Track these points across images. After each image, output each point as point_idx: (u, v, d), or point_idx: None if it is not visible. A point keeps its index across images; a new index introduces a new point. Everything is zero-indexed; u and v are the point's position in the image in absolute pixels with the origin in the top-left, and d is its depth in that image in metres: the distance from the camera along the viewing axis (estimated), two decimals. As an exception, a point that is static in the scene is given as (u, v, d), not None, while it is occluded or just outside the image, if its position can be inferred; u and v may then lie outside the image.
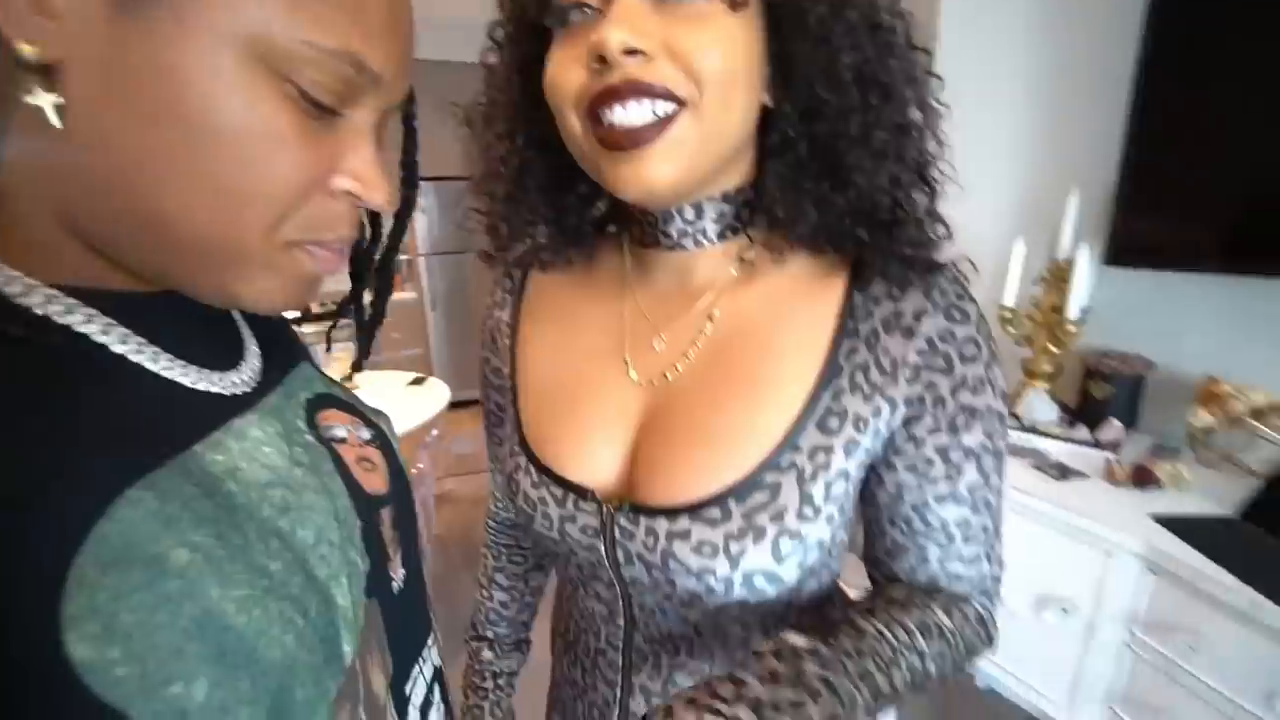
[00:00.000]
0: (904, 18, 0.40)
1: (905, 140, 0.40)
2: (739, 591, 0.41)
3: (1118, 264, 1.35)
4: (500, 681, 0.63)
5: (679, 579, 0.42)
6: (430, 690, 0.40)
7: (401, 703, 0.36)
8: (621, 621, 0.49)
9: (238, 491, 0.27)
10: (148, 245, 0.27)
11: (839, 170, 0.40)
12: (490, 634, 0.64)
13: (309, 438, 0.34)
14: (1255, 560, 0.92)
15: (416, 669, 0.38)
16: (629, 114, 0.36)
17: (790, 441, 0.41)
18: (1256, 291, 1.21)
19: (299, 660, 0.26)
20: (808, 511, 0.41)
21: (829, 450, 0.41)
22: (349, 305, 0.39)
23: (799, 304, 0.44)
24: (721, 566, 0.40)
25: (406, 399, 2.34)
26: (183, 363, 0.29)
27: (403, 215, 0.37)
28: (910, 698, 0.40)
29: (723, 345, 0.44)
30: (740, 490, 0.41)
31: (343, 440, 0.37)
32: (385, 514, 0.37)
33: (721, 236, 0.44)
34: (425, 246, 4.11)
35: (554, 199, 0.48)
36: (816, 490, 0.41)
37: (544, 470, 0.47)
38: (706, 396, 0.43)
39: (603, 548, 0.44)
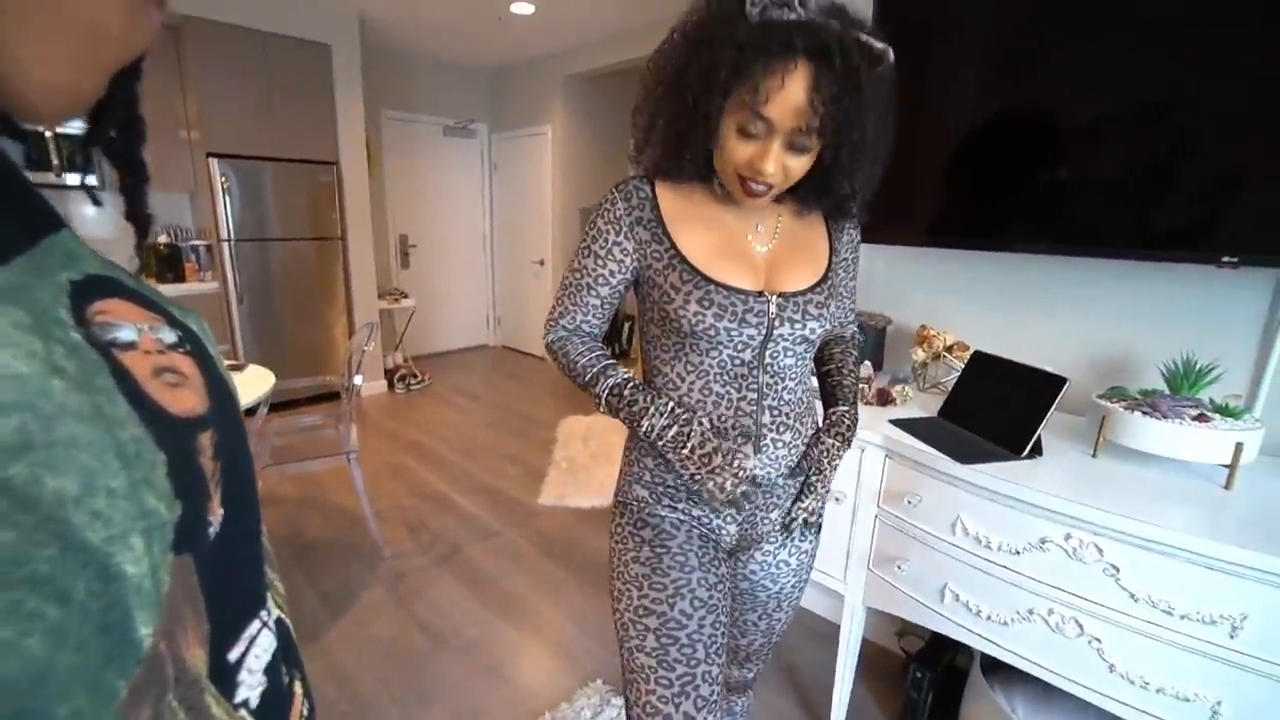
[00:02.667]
0: (893, 109, 0.84)
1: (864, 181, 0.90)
2: (819, 330, 0.91)
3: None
4: (637, 384, 0.93)
5: (809, 322, 0.89)
6: (278, 650, 0.34)
7: (227, 672, 0.30)
8: (757, 378, 0.90)
9: None
10: None
11: (830, 190, 0.89)
12: (611, 366, 0.93)
13: (75, 336, 0.24)
14: (944, 439, 1.34)
15: (252, 627, 0.32)
16: (758, 188, 0.83)
17: (829, 263, 0.96)
18: (950, 260, 1.73)
19: (56, 667, 0.20)
20: (837, 289, 0.98)
21: (842, 264, 1.00)
22: (91, 143, 0.32)
23: (809, 223, 0.97)
24: (825, 307, 0.91)
25: (226, 384, 2.18)
26: None
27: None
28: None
29: (785, 238, 0.94)
30: (822, 280, 0.93)
31: (130, 345, 0.27)
32: (204, 440, 0.28)
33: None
34: (229, 231, 3.72)
35: (689, 164, 0.86)
36: (838, 279, 0.98)
37: (730, 289, 0.86)
38: (792, 252, 0.93)
39: (767, 319, 0.87)
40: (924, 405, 1.58)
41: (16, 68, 0.22)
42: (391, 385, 4.69)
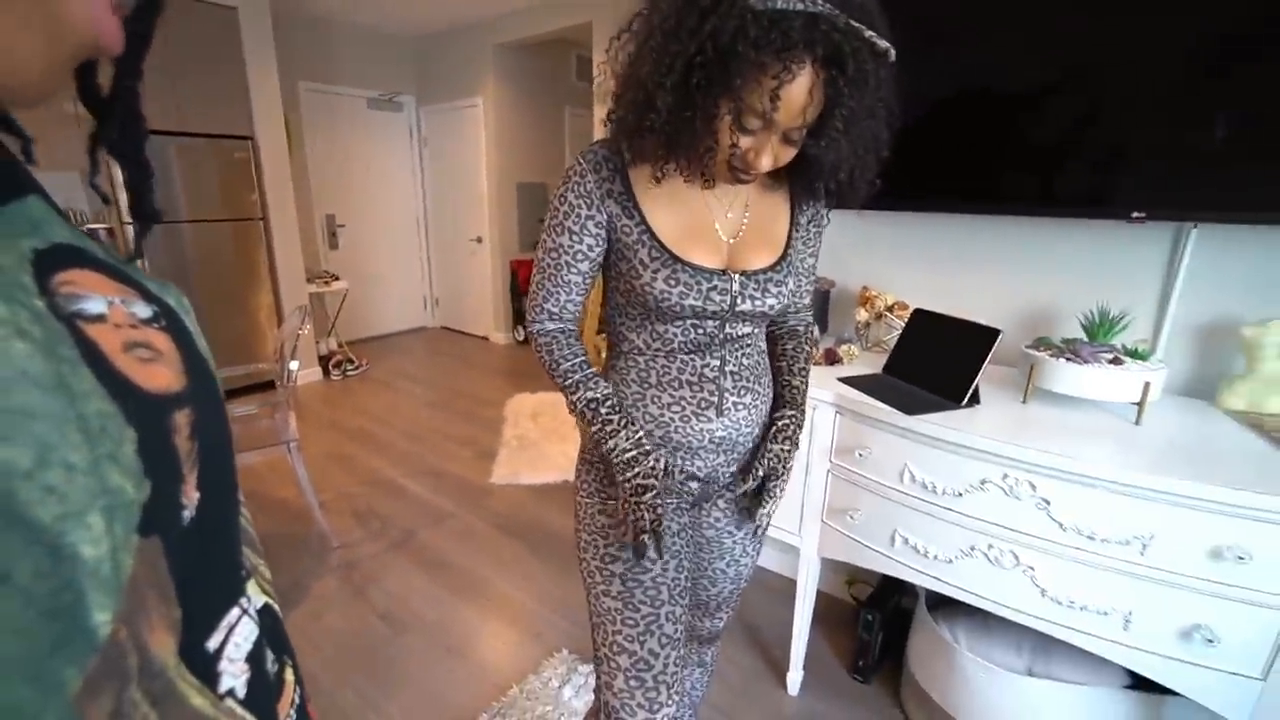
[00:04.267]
0: (890, 106, 0.83)
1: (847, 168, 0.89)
2: (777, 305, 0.93)
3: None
4: (615, 403, 0.94)
5: (768, 299, 0.91)
6: (260, 637, 0.33)
7: (206, 661, 0.28)
8: (719, 347, 0.94)
9: None
10: None
11: (808, 178, 0.93)
12: (593, 377, 0.94)
13: (38, 304, 0.23)
14: (888, 392, 1.41)
15: (231, 615, 0.31)
16: (746, 177, 0.84)
17: (788, 240, 0.97)
18: (885, 223, 1.80)
19: None
20: (800, 266, 1.01)
21: (801, 239, 1.00)
22: (98, 144, 0.33)
23: (774, 197, 0.98)
24: (784, 284, 0.93)
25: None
26: None
27: (138, 46, 0.31)
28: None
29: (754, 216, 0.95)
30: (781, 259, 0.94)
31: (99, 318, 0.25)
32: (180, 419, 0.27)
33: None
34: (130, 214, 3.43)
35: (677, 152, 0.84)
36: (797, 257, 0.99)
37: (697, 268, 0.87)
38: (756, 234, 0.94)
39: (729, 296, 0.89)
40: (869, 363, 1.65)
41: None
42: (327, 372, 4.50)
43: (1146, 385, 1.23)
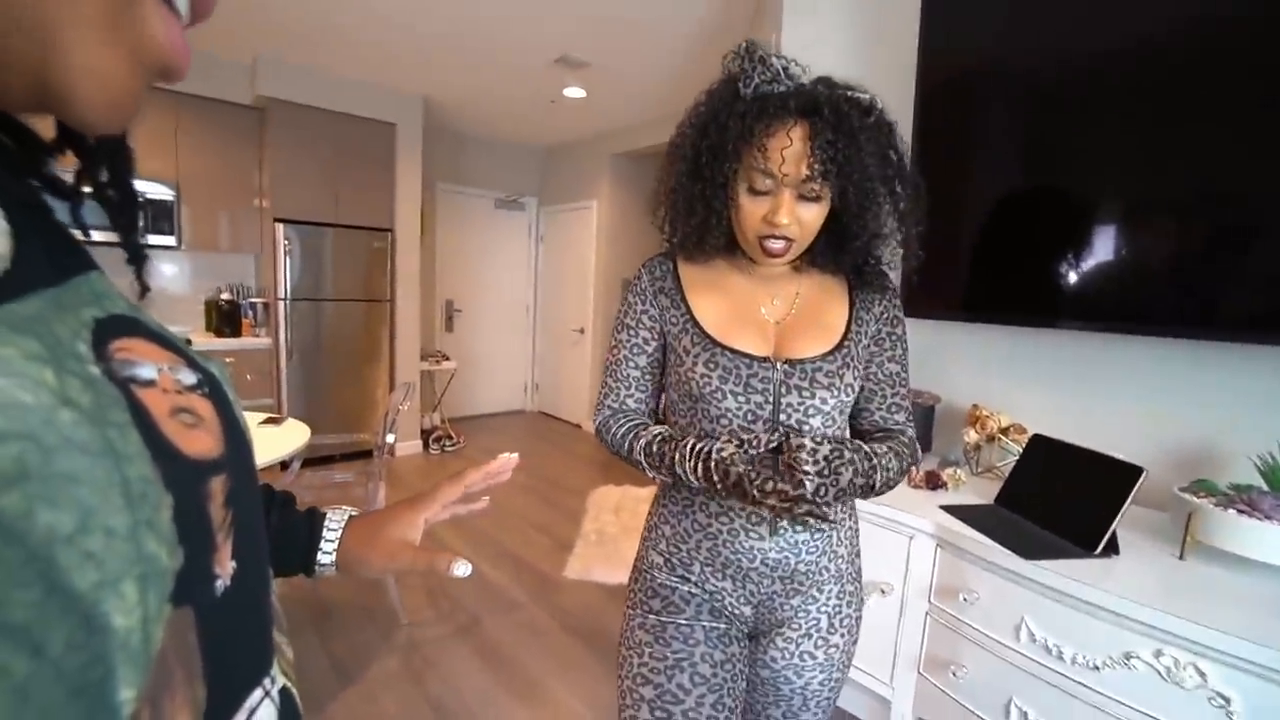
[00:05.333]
0: (904, 156, 0.87)
1: (880, 231, 0.88)
2: (833, 403, 0.86)
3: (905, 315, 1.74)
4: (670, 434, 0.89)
5: (818, 391, 0.85)
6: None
7: None
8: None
9: None
10: None
11: (845, 246, 0.89)
12: (649, 425, 0.91)
13: (93, 370, 0.23)
14: (1003, 530, 1.22)
15: (253, 696, 0.30)
16: (777, 245, 0.85)
17: (846, 333, 0.90)
18: (999, 336, 1.64)
19: None
20: (857, 363, 0.90)
21: (868, 336, 0.93)
22: (82, 186, 0.33)
23: (830, 288, 0.94)
24: (839, 378, 0.87)
25: (260, 437, 2.20)
26: None
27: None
28: (886, 488, 0.85)
29: (801, 308, 0.92)
30: (836, 349, 0.88)
31: (149, 383, 0.26)
32: (216, 486, 0.27)
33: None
34: (286, 291, 3.90)
35: (708, 234, 0.88)
36: (858, 350, 0.91)
37: (735, 352, 0.86)
38: (806, 321, 0.91)
39: (773, 386, 0.85)
40: (978, 491, 1.45)
41: (63, 56, 0.22)
42: (427, 446, 4.71)
43: (1355, 555, 0.97)
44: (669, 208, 0.92)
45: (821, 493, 0.73)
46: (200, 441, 0.27)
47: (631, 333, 0.94)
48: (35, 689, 0.17)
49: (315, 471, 2.87)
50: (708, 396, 0.86)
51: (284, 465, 2.47)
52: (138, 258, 0.34)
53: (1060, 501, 1.24)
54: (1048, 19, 1.42)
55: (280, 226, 3.81)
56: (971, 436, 1.55)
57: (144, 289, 0.35)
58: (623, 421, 0.93)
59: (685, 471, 0.83)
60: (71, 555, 0.19)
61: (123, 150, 0.32)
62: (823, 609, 0.92)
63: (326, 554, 0.56)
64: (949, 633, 1.25)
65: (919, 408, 1.68)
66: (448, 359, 5.02)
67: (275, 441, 2.16)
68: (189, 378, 0.29)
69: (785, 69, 0.84)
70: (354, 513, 0.59)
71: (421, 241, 4.58)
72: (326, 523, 0.57)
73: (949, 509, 1.32)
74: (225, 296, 3.97)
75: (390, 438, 2.48)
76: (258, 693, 0.30)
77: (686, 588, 0.91)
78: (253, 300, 4.07)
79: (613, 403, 0.95)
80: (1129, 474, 1.14)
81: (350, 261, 4.14)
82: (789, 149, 0.80)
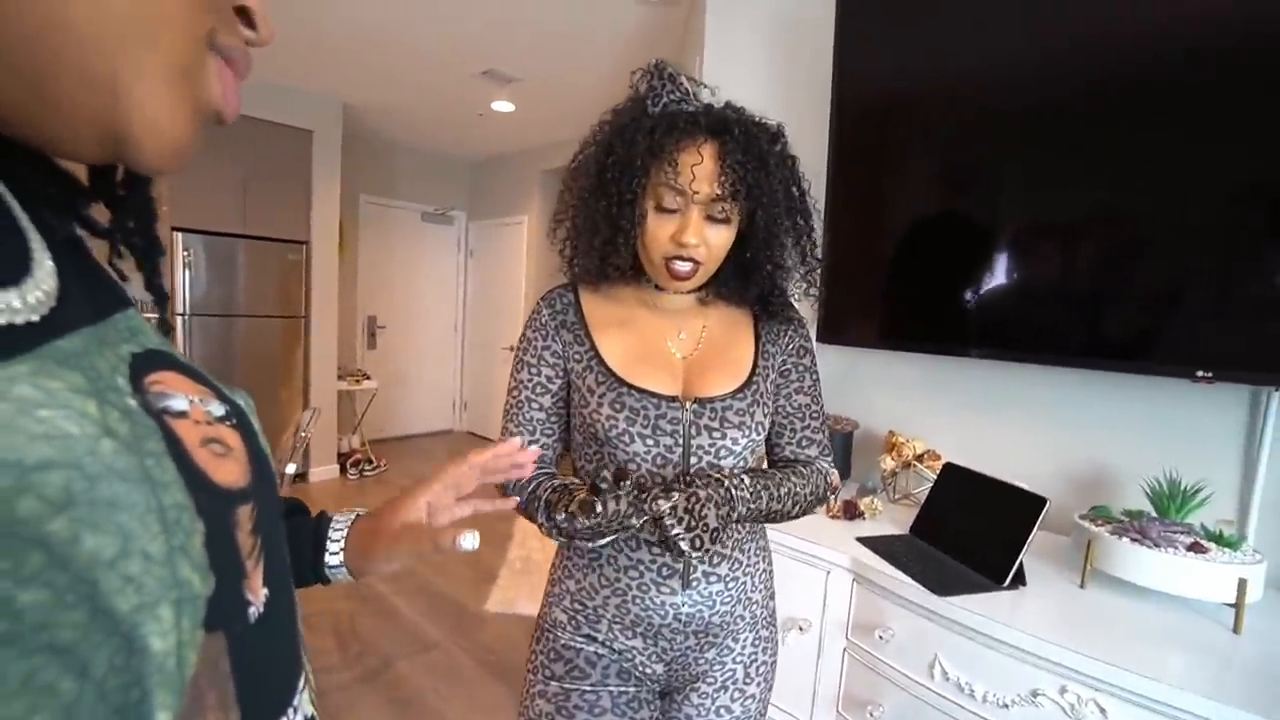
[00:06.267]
0: (807, 194, 0.87)
1: (784, 263, 0.86)
2: (744, 443, 0.83)
3: (822, 342, 1.73)
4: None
5: (729, 431, 0.81)
6: None
7: None
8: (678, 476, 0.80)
9: None
10: (16, 43, 0.20)
11: (751, 276, 0.87)
12: (544, 478, 0.85)
13: (130, 402, 0.24)
14: (915, 561, 1.20)
15: None
16: (683, 266, 0.81)
17: (754, 368, 0.87)
18: (914, 364, 1.66)
19: None
20: (766, 398, 0.87)
21: (775, 370, 0.90)
22: (114, 231, 0.34)
23: (736, 322, 0.91)
24: (749, 416, 0.83)
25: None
26: None
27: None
28: (787, 517, 0.84)
29: (708, 344, 0.88)
30: (744, 385, 0.85)
31: (182, 414, 0.27)
32: (244, 514, 0.28)
33: (692, 292, 0.90)
34: (186, 305, 3.60)
35: (612, 254, 0.83)
36: (766, 385, 0.88)
37: (643, 391, 0.81)
38: (714, 357, 0.87)
39: (682, 427, 0.80)
40: (895, 520, 1.45)
41: (134, 109, 0.23)
42: (344, 470, 4.43)
43: (1243, 583, 1.00)
44: (570, 227, 0.88)
45: (697, 544, 0.70)
46: (229, 471, 0.28)
47: (533, 371, 0.87)
48: (80, 709, 0.18)
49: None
50: (614, 439, 0.80)
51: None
52: (160, 299, 0.36)
53: (971, 531, 1.24)
54: (955, 45, 1.46)
55: (179, 236, 3.52)
56: (888, 463, 1.55)
57: (168, 328, 0.37)
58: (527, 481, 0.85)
59: (568, 523, 0.75)
60: (113, 579, 0.20)
61: (149, 201, 0.34)
62: (738, 659, 0.88)
63: (334, 555, 0.55)
64: (866, 671, 1.22)
65: (837, 434, 1.67)
66: (368, 378, 4.76)
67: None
68: (218, 409, 0.30)
69: (694, 91, 0.83)
70: (362, 511, 0.59)
71: (342, 255, 4.34)
72: (333, 524, 0.56)
73: (865, 541, 1.30)
74: (113, 312, 3.62)
75: (290, 468, 2.29)
76: (290, 716, 0.30)
77: (593, 648, 0.85)
78: (147, 315, 3.71)
79: None
80: (1034, 504, 1.15)
81: (262, 275, 3.87)
82: (699, 165, 0.77)
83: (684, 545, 0.69)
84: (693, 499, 0.71)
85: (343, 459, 4.47)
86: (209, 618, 0.24)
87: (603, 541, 0.75)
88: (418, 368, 5.65)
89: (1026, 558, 1.14)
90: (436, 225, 5.62)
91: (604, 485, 0.69)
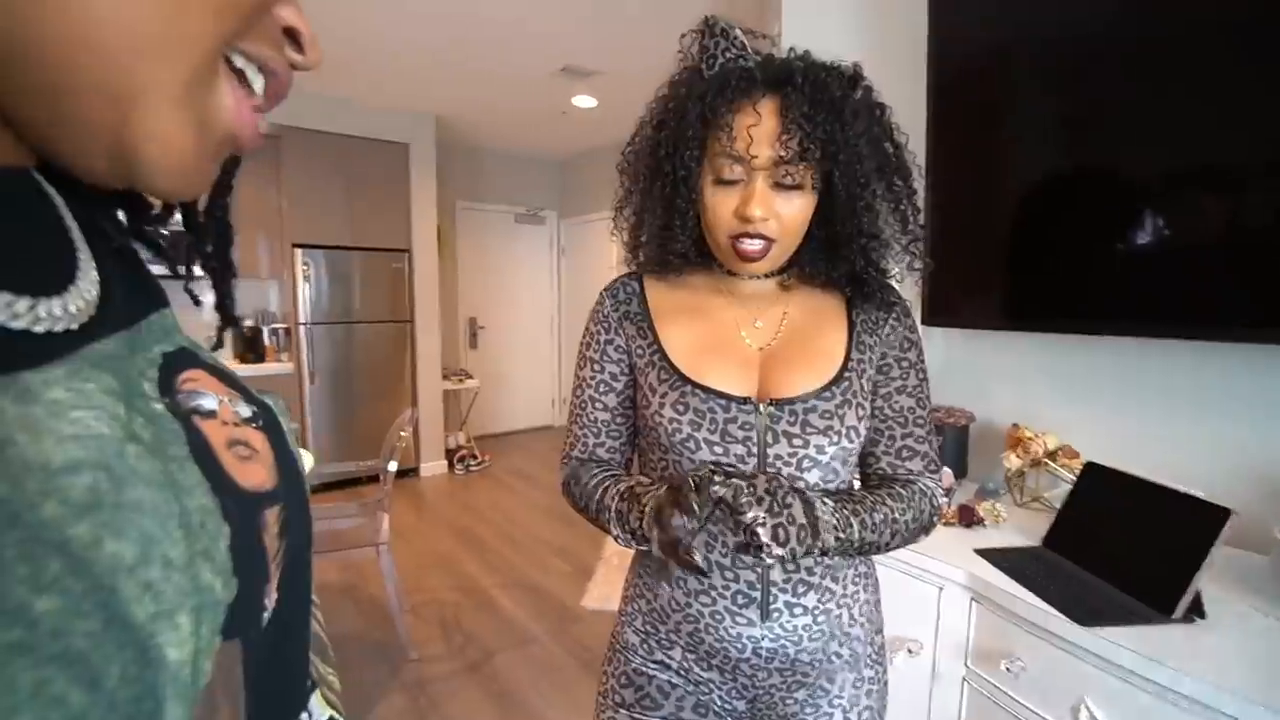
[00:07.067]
0: (904, 148, 0.73)
1: (878, 233, 0.72)
2: (833, 451, 0.70)
3: (930, 324, 1.53)
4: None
5: (813, 438, 0.69)
6: None
7: None
8: None
9: None
10: (34, 56, 0.20)
11: (839, 251, 0.74)
12: (612, 479, 0.76)
13: (156, 406, 0.24)
14: (1053, 583, 1.01)
15: None
16: (752, 245, 0.69)
17: (846, 363, 0.74)
18: (1044, 345, 1.42)
19: None
20: (862, 398, 0.73)
21: (873, 365, 0.76)
22: (191, 257, 0.35)
23: (824, 308, 0.78)
24: (838, 420, 0.70)
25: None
26: None
27: (230, 171, 0.35)
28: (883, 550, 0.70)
29: (789, 334, 0.76)
30: (833, 383, 0.72)
31: (210, 414, 0.27)
32: (269, 517, 0.28)
33: (770, 276, 0.78)
34: (306, 315, 3.91)
35: (670, 240, 0.75)
36: (862, 383, 0.74)
37: (710, 391, 0.71)
38: (796, 349, 0.74)
39: (756, 434, 0.69)
40: (1022, 527, 1.24)
41: (142, 126, 0.22)
42: (452, 465, 4.66)
43: None
44: (632, 226, 0.80)
45: (781, 537, 0.57)
46: (255, 473, 0.28)
47: (596, 368, 0.80)
48: None
49: (333, 501, 2.81)
50: (678, 446, 0.71)
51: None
52: (229, 321, 0.36)
53: (1126, 547, 1.03)
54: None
55: (299, 252, 3.82)
56: (1013, 462, 1.34)
57: (219, 344, 0.37)
58: (595, 471, 0.78)
59: (631, 528, 0.67)
60: (131, 586, 0.19)
61: (227, 230, 0.35)
62: (835, 702, 0.75)
63: None
64: (992, 705, 1.05)
65: (950, 428, 1.47)
66: (470, 377, 4.96)
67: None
68: (245, 410, 0.30)
69: (752, 45, 0.71)
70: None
71: (442, 260, 4.55)
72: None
73: (986, 554, 1.12)
74: (248, 323, 4.00)
75: (392, 465, 2.40)
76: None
77: (666, 676, 0.77)
78: (274, 325, 4.10)
79: (580, 454, 0.81)
80: (1212, 516, 0.92)
81: (370, 283, 4.13)
82: (756, 126, 0.66)
83: (763, 534, 0.56)
84: (773, 481, 0.59)
85: (450, 455, 4.70)
86: (228, 625, 0.23)
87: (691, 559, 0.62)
88: (517, 366, 5.83)
89: (1204, 583, 0.92)
90: (529, 226, 5.76)
91: (686, 489, 0.59)
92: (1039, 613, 0.96)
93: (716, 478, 0.58)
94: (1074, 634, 0.91)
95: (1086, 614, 0.92)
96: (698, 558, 0.59)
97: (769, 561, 0.57)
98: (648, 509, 0.65)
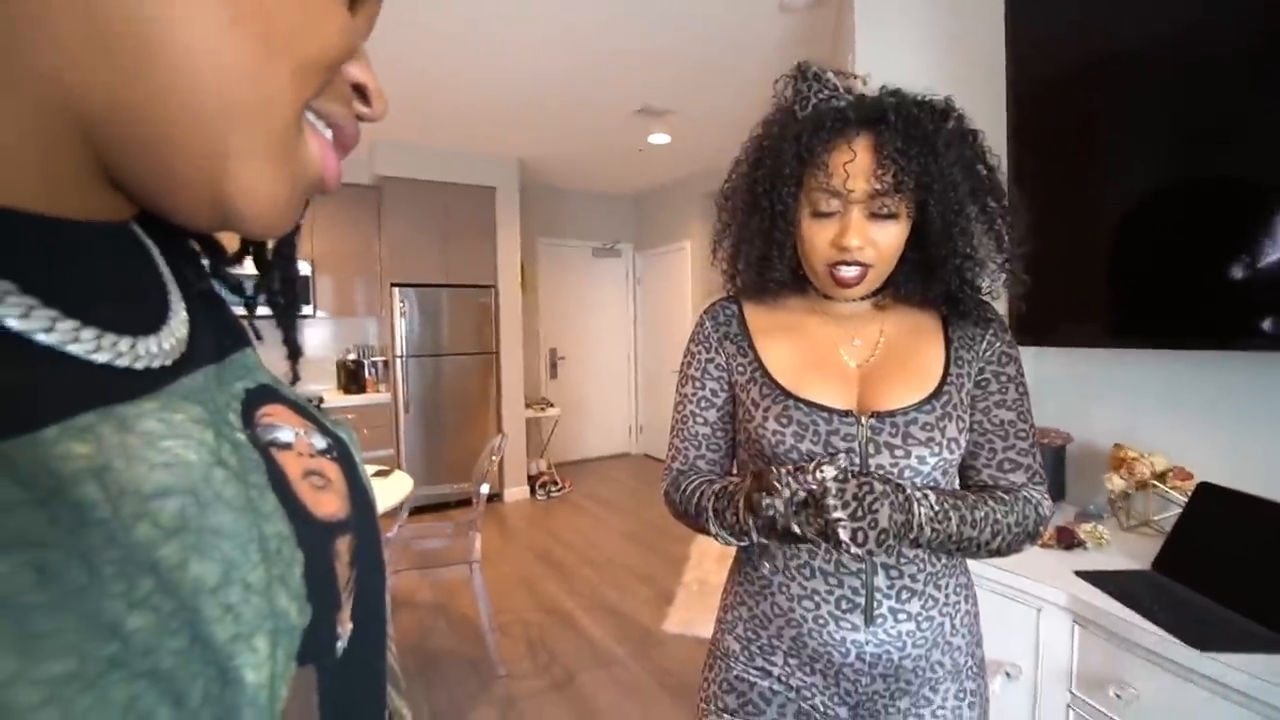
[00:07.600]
0: (994, 169, 0.76)
1: (973, 254, 0.75)
2: (934, 462, 0.72)
3: (1020, 344, 1.48)
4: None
5: (914, 449, 0.72)
6: None
7: None
8: None
9: (98, 500, 0.18)
10: (138, 120, 0.21)
11: (934, 273, 0.77)
12: (707, 483, 0.81)
13: (240, 436, 0.26)
14: (1160, 603, 0.97)
15: None
16: (849, 272, 0.74)
17: (945, 377, 0.76)
18: (1147, 361, 1.36)
19: None
20: (961, 411, 0.75)
21: (971, 380, 0.78)
22: (259, 292, 0.38)
23: (921, 327, 0.81)
24: (939, 432, 0.72)
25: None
26: (73, 323, 0.21)
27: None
28: (985, 549, 0.71)
29: (887, 351, 0.79)
30: (932, 396, 0.74)
31: (287, 446, 0.29)
32: (342, 546, 0.29)
33: (865, 298, 0.81)
34: (402, 349, 4.22)
35: (768, 269, 0.81)
36: (961, 396, 0.76)
37: (811, 404, 0.75)
38: (894, 365, 0.77)
39: (858, 445, 0.73)
40: (1127, 550, 1.19)
41: (238, 181, 0.24)
42: (533, 491, 4.81)
43: None
44: (730, 256, 0.85)
45: (860, 539, 0.61)
46: (329, 503, 0.29)
47: (697, 385, 0.85)
48: None
49: (416, 524, 2.99)
50: (781, 457, 0.75)
51: (389, 513, 2.59)
52: (295, 353, 0.38)
53: (1244, 570, 0.97)
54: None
55: (396, 290, 4.16)
56: (1116, 483, 1.28)
57: (295, 378, 0.39)
58: (693, 479, 0.84)
59: (746, 527, 0.71)
60: (214, 607, 0.20)
61: (292, 266, 0.37)
62: (938, 712, 0.76)
63: None
64: (1101, 734, 1.00)
65: (1046, 449, 1.42)
66: (552, 405, 5.15)
67: (381, 494, 2.27)
68: (320, 442, 0.31)
69: (843, 85, 0.76)
70: None
71: (525, 294, 4.80)
72: None
73: (1088, 575, 1.08)
74: (351, 357, 4.36)
75: (484, 488, 2.54)
76: None
77: (767, 683, 0.79)
78: (374, 359, 4.44)
79: (680, 465, 0.86)
80: (1343, 537, 0.86)
81: (460, 318, 4.41)
82: (852, 163, 0.71)
83: (843, 534, 0.60)
84: (864, 486, 0.63)
85: (531, 481, 4.86)
86: (303, 650, 0.24)
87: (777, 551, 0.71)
88: (596, 394, 5.99)
89: (1337, 608, 0.86)
90: (606, 259, 5.97)
91: (774, 479, 0.65)
92: (1152, 637, 0.92)
93: (826, 464, 0.64)
94: (1190, 659, 0.87)
95: (1201, 638, 0.88)
96: (795, 526, 0.64)
97: (854, 551, 0.62)
98: (739, 499, 0.71)
